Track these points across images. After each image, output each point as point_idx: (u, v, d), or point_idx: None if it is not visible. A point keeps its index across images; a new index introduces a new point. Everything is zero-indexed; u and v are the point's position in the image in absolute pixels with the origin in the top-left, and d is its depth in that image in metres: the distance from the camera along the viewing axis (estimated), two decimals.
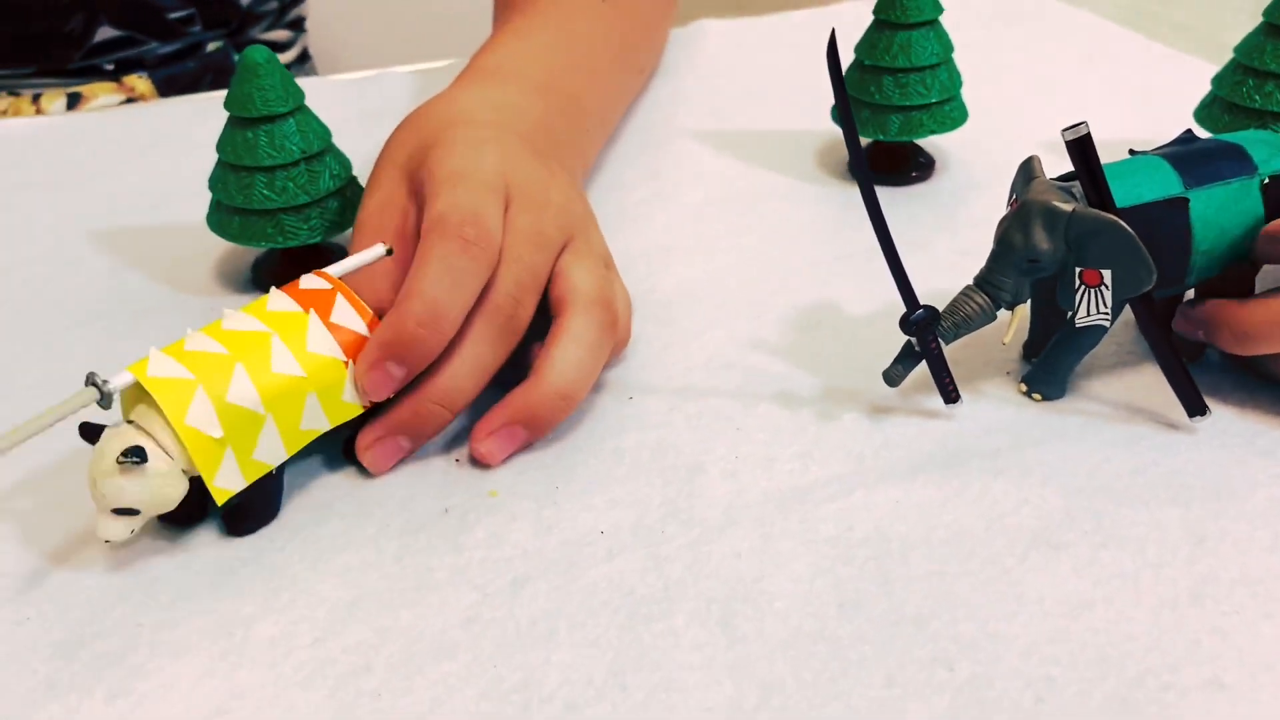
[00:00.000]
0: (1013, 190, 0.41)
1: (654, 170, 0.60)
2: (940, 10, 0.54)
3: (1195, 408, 0.40)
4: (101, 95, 0.82)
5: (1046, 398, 0.42)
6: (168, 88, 0.85)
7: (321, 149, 0.48)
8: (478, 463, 0.40)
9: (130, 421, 0.35)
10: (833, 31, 0.36)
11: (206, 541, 0.37)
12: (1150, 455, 0.39)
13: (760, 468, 0.40)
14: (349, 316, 0.38)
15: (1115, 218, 0.37)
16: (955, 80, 0.55)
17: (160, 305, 0.50)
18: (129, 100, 0.83)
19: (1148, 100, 0.65)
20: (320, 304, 0.38)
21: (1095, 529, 0.37)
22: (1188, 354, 0.43)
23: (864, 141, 0.58)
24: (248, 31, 0.90)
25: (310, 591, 0.35)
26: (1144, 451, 0.40)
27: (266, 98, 0.46)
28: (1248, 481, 0.38)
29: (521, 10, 0.59)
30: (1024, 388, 0.42)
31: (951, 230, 0.54)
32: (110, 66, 0.82)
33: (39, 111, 0.81)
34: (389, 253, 0.41)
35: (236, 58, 0.90)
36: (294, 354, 0.36)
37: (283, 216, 0.47)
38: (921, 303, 0.39)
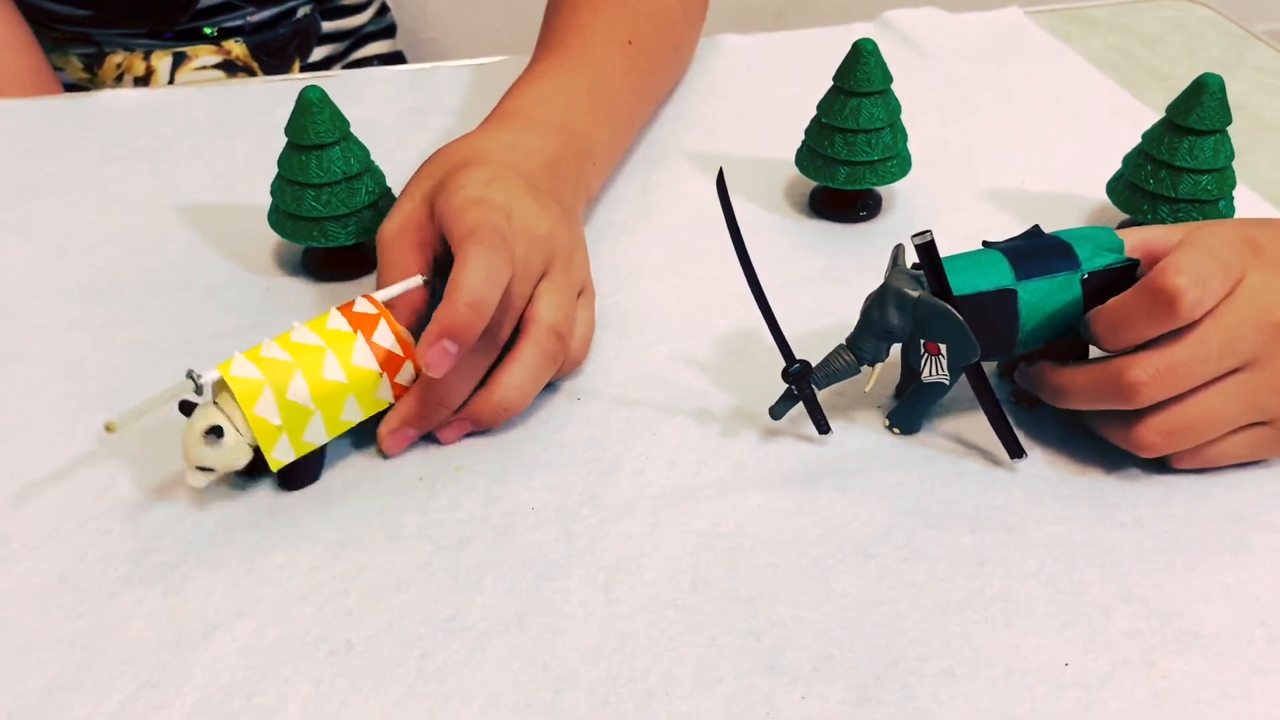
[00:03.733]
0: (886, 271, 0.51)
1: (644, 189, 0.71)
2: (890, 80, 0.63)
3: (1014, 451, 0.50)
4: (203, 55, 0.95)
5: (904, 432, 0.53)
6: (260, 50, 0.97)
7: (360, 170, 0.59)
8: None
9: (215, 403, 0.48)
10: (720, 170, 0.47)
11: (242, 489, 0.50)
12: (969, 489, 0.50)
13: (663, 468, 0.51)
14: (387, 338, 0.50)
15: (948, 306, 0.47)
16: (900, 139, 0.65)
17: (228, 281, 0.63)
18: (226, 61, 0.96)
19: (1094, 153, 0.73)
20: (366, 326, 0.50)
21: (905, 544, 0.48)
22: (1028, 402, 0.53)
23: (814, 185, 0.68)
24: None
25: (312, 532, 0.48)
26: (966, 485, 0.50)
27: (318, 130, 0.58)
28: (1037, 519, 0.49)
29: (551, 53, 0.69)
30: (887, 422, 0.53)
31: (880, 270, 0.63)
32: (213, 32, 0.95)
33: (149, 68, 0.94)
34: (426, 283, 0.52)
35: (322, 24, 1.01)
36: (341, 365, 0.49)
37: (326, 223, 0.59)
38: (798, 357, 0.50)
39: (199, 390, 0.47)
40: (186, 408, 0.48)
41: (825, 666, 0.43)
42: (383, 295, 0.52)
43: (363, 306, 0.51)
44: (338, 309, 0.50)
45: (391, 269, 0.54)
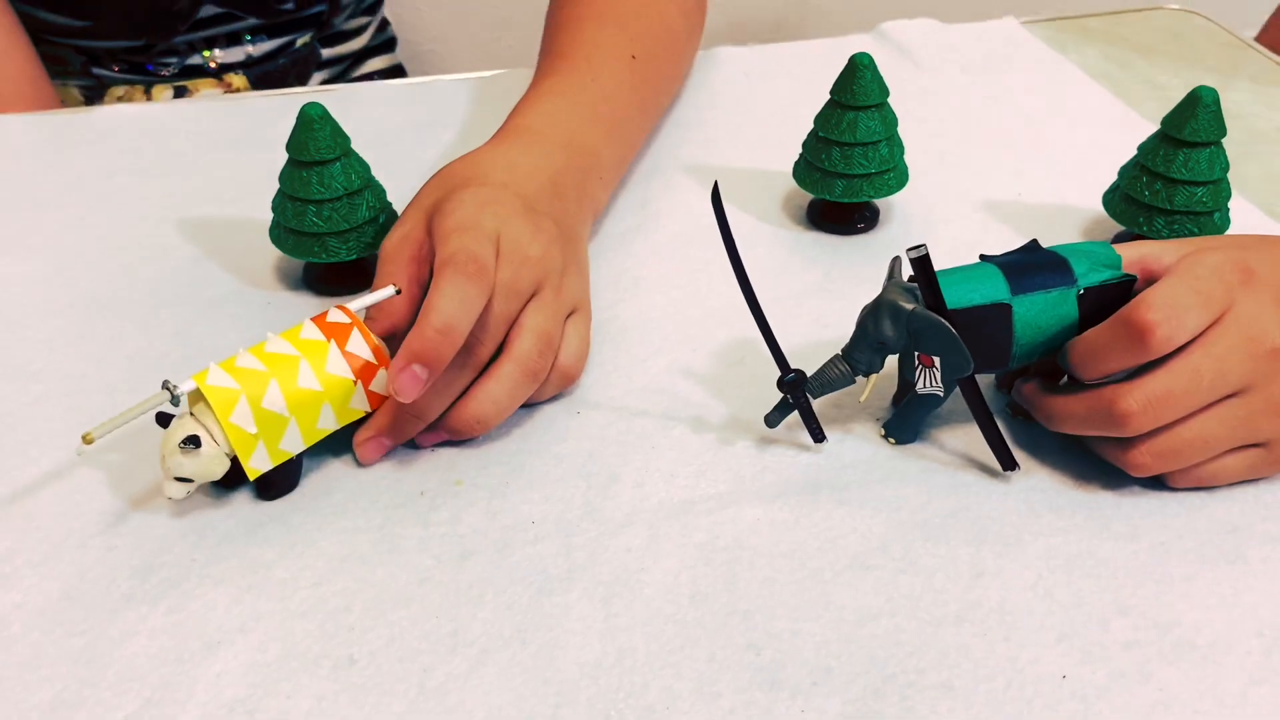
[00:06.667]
0: (883, 283, 0.51)
1: (643, 200, 0.71)
2: (886, 94, 0.64)
3: (1006, 463, 0.51)
4: (204, 89, 0.95)
5: (899, 442, 0.53)
6: (260, 82, 0.98)
7: (361, 186, 0.60)
8: (450, 456, 0.53)
9: (191, 414, 0.48)
10: (715, 183, 0.47)
11: (245, 502, 0.50)
12: (966, 501, 0.50)
13: (663, 481, 0.51)
14: (360, 347, 0.50)
15: (942, 320, 0.48)
16: (896, 152, 0.65)
17: (229, 295, 0.63)
18: (228, 94, 0.96)
19: (1090, 164, 0.74)
20: (340, 335, 0.50)
21: (902, 556, 0.48)
22: (1025, 415, 0.54)
23: (812, 197, 0.69)
24: (332, 24, 1.02)
25: (314, 546, 0.48)
26: (962, 497, 0.51)
27: (319, 146, 0.58)
28: (1034, 531, 0.49)
29: (555, 69, 0.69)
30: (882, 432, 0.53)
31: (877, 282, 0.64)
32: (214, 59, 0.95)
33: (150, 101, 0.94)
34: (398, 292, 0.53)
35: (321, 52, 1.02)
36: (315, 374, 0.49)
37: (327, 239, 0.60)
38: (794, 367, 0.50)
39: (175, 401, 0.47)
40: (163, 419, 0.49)
41: (824, 680, 0.43)
42: (356, 305, 0.52)
43: (336, 316, 0.51)
44: (311, 319, 0.51)
45: (386, 282, 0.54)
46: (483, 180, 0.57)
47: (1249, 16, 1.18)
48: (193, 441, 0.47)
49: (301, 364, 0.49)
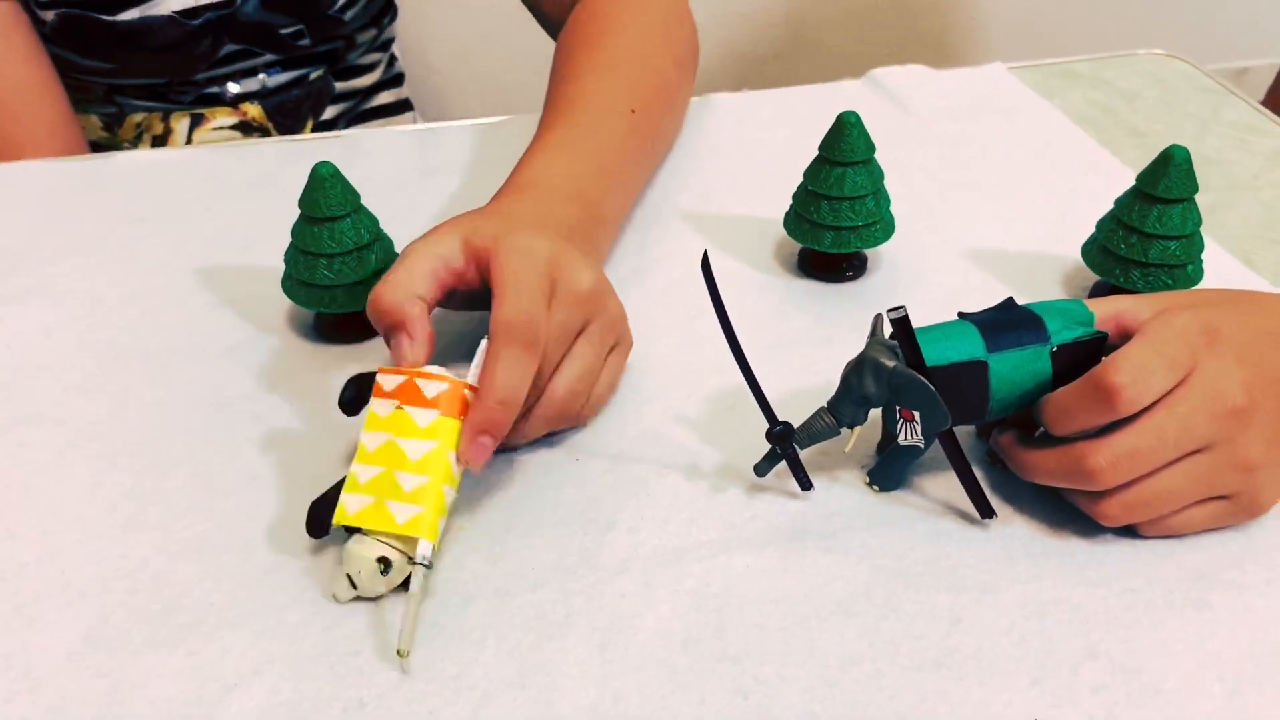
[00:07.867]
0: (867, 339, 0.54)
1: (641, 246, 0.74)
2: (873, 150, 0.66)
3: (985, 511, 0.53)
4: (220, 117, 0.98)
5: (883, 489, 0.55)
6: (275, 112, 1.01)
7: (370, 240, 0.62)
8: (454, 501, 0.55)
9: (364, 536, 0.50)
10: (705, 252, 0.50)
11: (260, 548, 0.53)
12: (946, 548, 0.53)
13: (656, 527, 0.54)
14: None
15: (921, 377, 0.50)
16: (883, 205, 0.68)
17: (244, 342, 0.66)
18: (243, 122, 0.99)
19: (1072, 213, 0.76)
20: (451, 407, 0.52)
21: (884, 602, 0.50)
22: (1003, 464, 0.56)
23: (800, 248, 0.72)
24: (346, 59, 1.05)
25: (324, 591, 0.51)
26: (943, 544, 0.53)
27: (330, 203, 0.61)
28: (1010, 578, 0.51)
29: (558, 122, 0.72)
30: (867, 479, 0.56)
31: (865, 330, 0.66)
32: (235, 89, 0.98)
33: (168, 128, 0.97)
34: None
35: (335, 85, 1.05)
36: (455, 455, 0.51)
37: (337, 291, 0.62)
38: (784, 415, 0.53)
39: (429, 566, 0.49)
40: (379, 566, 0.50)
41: None
42: (471, 374, 0.53)
43: (439, 388, 0.52)
44: (413, 404, 0.51)
45: (407, 271, 0.55)
46: (522, 222, 0.58)
47: (1229, 53, 1.21)
48: (383, 562, 0.49)
49: (450, 456, 0.51)
